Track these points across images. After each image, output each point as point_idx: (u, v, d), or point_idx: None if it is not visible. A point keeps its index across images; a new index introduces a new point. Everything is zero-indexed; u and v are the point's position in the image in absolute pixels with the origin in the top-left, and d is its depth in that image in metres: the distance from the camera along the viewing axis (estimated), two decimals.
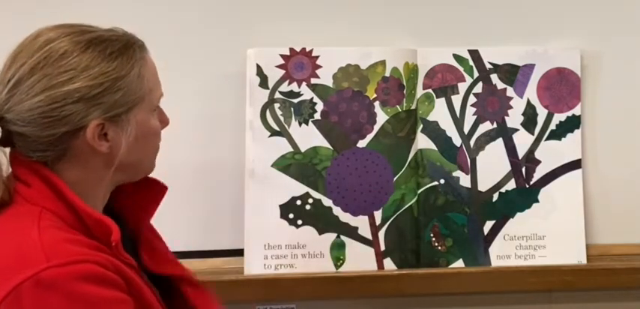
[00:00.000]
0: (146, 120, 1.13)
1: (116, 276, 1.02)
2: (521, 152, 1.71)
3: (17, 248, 1.00)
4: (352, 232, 1.67)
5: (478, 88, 1.71)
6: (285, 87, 1.68)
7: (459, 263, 1.69)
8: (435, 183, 1.70)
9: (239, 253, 1.66)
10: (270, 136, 1.67)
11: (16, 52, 1.08)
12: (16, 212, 1.06)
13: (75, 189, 1.07)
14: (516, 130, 1.71)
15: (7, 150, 1.09)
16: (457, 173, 1.70)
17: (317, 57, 1.68)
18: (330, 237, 1.67)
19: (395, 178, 1.68)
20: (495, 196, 1.71)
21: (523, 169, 1.71)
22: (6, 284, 0.96)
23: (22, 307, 0.95)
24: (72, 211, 1.06)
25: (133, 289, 1.06)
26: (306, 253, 1.66)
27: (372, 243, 1.68)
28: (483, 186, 1.70)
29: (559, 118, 1.71)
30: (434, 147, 1.70)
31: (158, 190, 1.22)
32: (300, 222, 1.67)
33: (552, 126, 1.71)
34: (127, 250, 1.10)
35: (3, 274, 0.97)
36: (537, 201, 1.71)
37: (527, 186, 1.71)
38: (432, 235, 1.69)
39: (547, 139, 1.71)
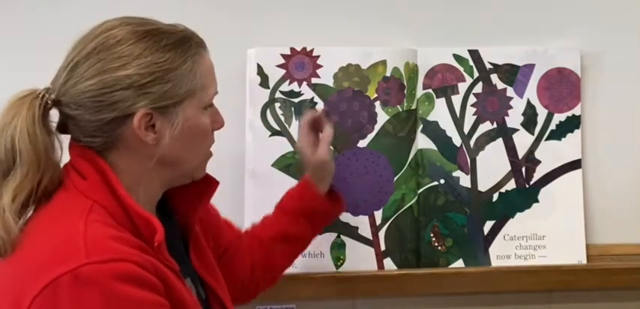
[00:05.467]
0: (195, 116, 1.12)
1: (154, 278, 1.02)
2: (521, 152, 1.71)
3: (60, 239, 1.00)
4: (352, 232, 1.67)
5: (478, 88, 1.71)
6: (285, 86, 1.67)
7: (459, 263, 1.69)
8: (435, 183, 1.70)
9: None
10: (271, 135, 1.67)
11: (79, 38, 1.10)
12: (66, 201, 1.07)
13: (124, 181, 1.08)
14: (516, 130, 1.71)
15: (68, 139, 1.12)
16: (457, 173, 1.70)
17: (318, 56, 1.68)
18: (330, 237, 1.67)
19: (395, 178, 1.68)
20: (495, 196, 1.71)
21: (523, 169, 1.71)
22: (45, 276, 0.96)
23: (59, 301, 0.96)
24: (122, 208, 1.06)
25: (172, 294, 1.05)
26: (306, 253, 1.65)
27: (373, 243, 1.67)
28: (483, 186, 1.70)
29: (559, 118, 1.71)
30: (434, 147, 1.70)
31: (209, 184, 1.23)
32: None
33: (552, 126, 1.71)
34: (177, 248, 1.13)
35: (43, 264, 0.98)
36: (537, 201, 1.71)
37: (527, 186, 1.71)
38: (432, 235, 1.69)
39: (547, 139, 1.71)
